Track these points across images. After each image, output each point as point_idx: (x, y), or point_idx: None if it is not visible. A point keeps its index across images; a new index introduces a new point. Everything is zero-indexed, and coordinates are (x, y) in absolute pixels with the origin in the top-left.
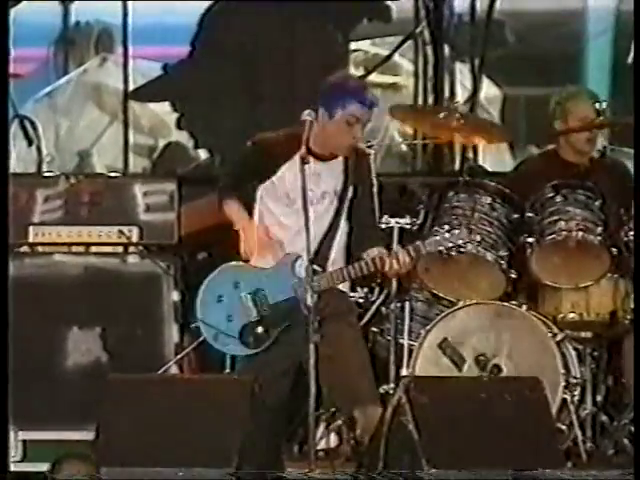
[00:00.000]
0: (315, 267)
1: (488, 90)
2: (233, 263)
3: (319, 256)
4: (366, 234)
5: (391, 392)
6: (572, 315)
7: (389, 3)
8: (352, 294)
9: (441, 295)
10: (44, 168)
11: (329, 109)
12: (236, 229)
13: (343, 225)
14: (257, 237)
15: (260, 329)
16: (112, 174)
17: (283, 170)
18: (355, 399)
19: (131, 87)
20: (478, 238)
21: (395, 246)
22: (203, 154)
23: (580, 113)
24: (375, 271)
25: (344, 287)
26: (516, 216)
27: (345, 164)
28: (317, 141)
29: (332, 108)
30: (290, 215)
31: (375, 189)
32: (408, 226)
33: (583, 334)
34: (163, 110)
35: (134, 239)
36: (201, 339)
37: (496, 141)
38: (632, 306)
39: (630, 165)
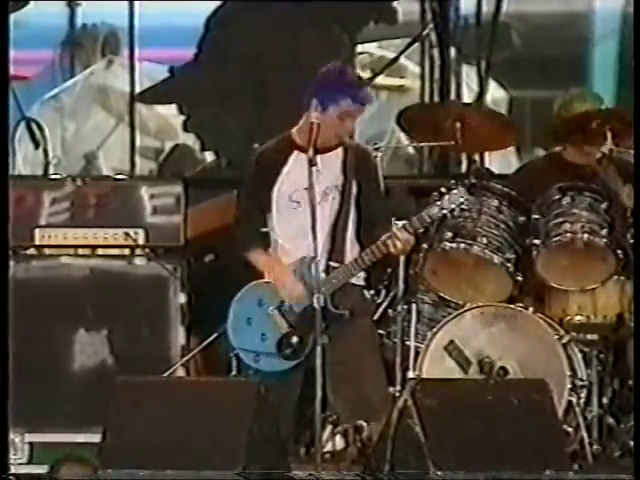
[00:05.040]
0: (332, 264)
1: (494, 92)
2: (253, 283)
3: (334, 253)
4: (379, 226)
5: (397, 394)
6: (578, 317)
7: (395, 5)
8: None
9: (448, 297)
10: (50, 170)
11: (322, 102)
12: (269, 279)
13: (352, 219)
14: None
15: (295, 339)
16: (118, 176)
17: (283, 175)
18: (370, 409)
19: (137, 89)
20: (485, 240)
21: (393, 227)
22: (209, 156)
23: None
24: (383, 255)
25: (359, 280)
26: (522, 219)
27: (344, 158)
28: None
29: (326, 102)
30: (297, 217)
31: (382, 185)
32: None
33: (589, 336)
34: (169, 112)
35: (140, 241)
36: (208, 341)
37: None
38: (633, 305)
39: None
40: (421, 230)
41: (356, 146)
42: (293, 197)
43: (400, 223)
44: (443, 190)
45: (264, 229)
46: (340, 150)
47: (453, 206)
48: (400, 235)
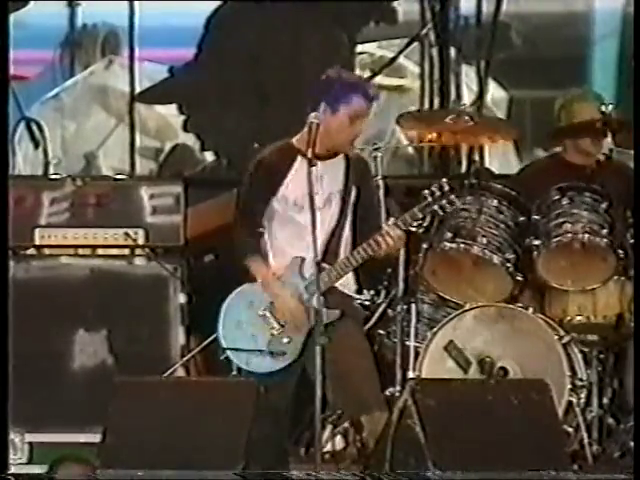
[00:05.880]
0: (325, 265)
1: (494, 92)
2: (245, 285)
3: (328, 255)
4: (374, 230)
5: (397, 394)
6: (579, 318)
7: (395, 5)
8: (358, 297)
9: (447, 297)
10: (50, 170)
11: (332, 104)
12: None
13: (349, 224)
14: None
15: (285, 339)
16: (118, 176)
17: (288, 181)
18: (362, 405)
19: (137, 89)
20: (485, 240)
21: (384, 225)
22: (209, 156)
23: (585, 115)
24: (374, 253)
25: (351, 290)
26: (522, 219)
27: (346, 164)
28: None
29: (336, 103)
30: (299, 221)
31: (381, 191)
32: (414, 228)
33: (589, 337)
34: (169, 112)
35: (140, 241)
36: (207, 341)
37: (507, 138)
38: (633, 305)
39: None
40: (414, 225)
41: (355, 154)
42: (297, 202)
43: (392, 220)
44: (434, 189)
45: (260, 229)
46: (342, 157)
47: (444, 201)
48: (392, 232)
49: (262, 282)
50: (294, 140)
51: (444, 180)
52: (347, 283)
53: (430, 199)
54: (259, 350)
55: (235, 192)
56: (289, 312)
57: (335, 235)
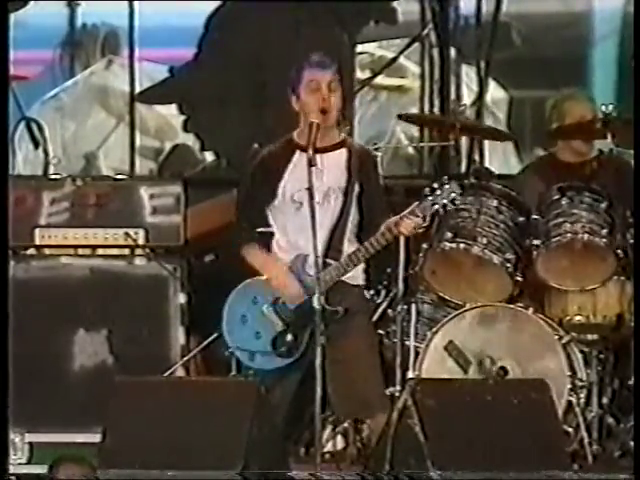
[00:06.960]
0: (328, 261)
1: (494, 92)
2: (248, 280)
3: (331, 250)
4: (379, 224)
5: (397, 394)
6: (578, 317)
7: (395, 5)
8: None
9: (447, 297)
10: (50, 170)
11: (293, 89)
12: (265, 276)
13: (352, 218)
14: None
15: (289, 337)
16: (118, 176)
17: (287, 176)
18: (365, 407)
19: (137, 89)
20: (485, 240)
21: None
22: (209, 156)
23: (576, 114)
24: (376, 251)
25: (358, 281)
26: (522, 219)
27: (348, 159)
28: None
29: (294, 86)
30: (299, 217)
31: (381, 185)
32: None
33: (589, 336)
34: (169, 112)
35: (140, 241)
36: (207, 341)
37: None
38: (633, 305)
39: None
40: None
41: (359, 147)
42: (295, 197)
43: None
44: (435, 185)
45: (262, 229)
46: (344, 151)
47: (445, 201)
48: (413, 217)
49: (259, 265)
50: (294, 134)
51: (445, 177)
52: (355, 275)
53: (431, 197)
54: (263, 351)
55: (235, 192)
56: (284, 288)
57: (337, 231)
